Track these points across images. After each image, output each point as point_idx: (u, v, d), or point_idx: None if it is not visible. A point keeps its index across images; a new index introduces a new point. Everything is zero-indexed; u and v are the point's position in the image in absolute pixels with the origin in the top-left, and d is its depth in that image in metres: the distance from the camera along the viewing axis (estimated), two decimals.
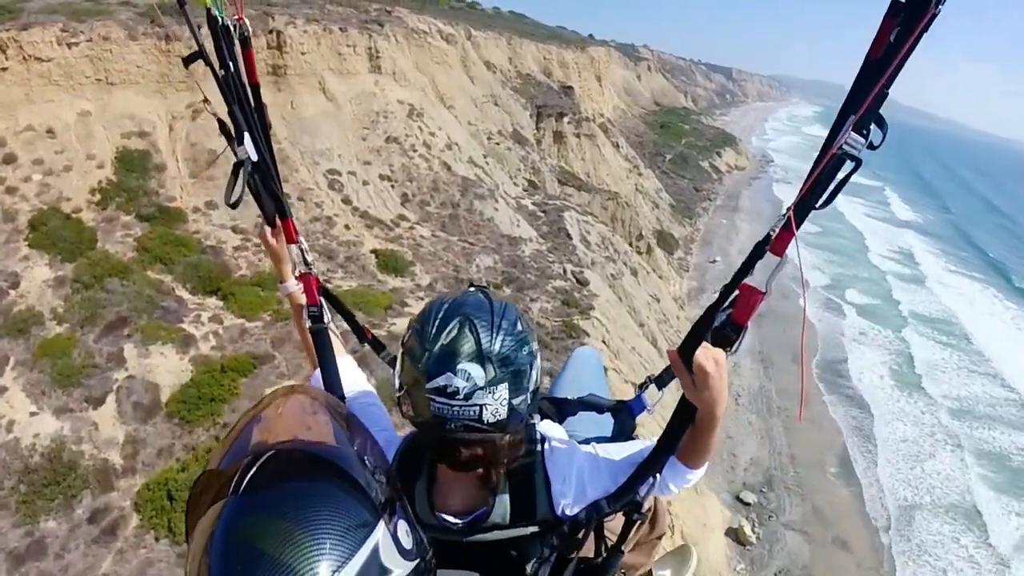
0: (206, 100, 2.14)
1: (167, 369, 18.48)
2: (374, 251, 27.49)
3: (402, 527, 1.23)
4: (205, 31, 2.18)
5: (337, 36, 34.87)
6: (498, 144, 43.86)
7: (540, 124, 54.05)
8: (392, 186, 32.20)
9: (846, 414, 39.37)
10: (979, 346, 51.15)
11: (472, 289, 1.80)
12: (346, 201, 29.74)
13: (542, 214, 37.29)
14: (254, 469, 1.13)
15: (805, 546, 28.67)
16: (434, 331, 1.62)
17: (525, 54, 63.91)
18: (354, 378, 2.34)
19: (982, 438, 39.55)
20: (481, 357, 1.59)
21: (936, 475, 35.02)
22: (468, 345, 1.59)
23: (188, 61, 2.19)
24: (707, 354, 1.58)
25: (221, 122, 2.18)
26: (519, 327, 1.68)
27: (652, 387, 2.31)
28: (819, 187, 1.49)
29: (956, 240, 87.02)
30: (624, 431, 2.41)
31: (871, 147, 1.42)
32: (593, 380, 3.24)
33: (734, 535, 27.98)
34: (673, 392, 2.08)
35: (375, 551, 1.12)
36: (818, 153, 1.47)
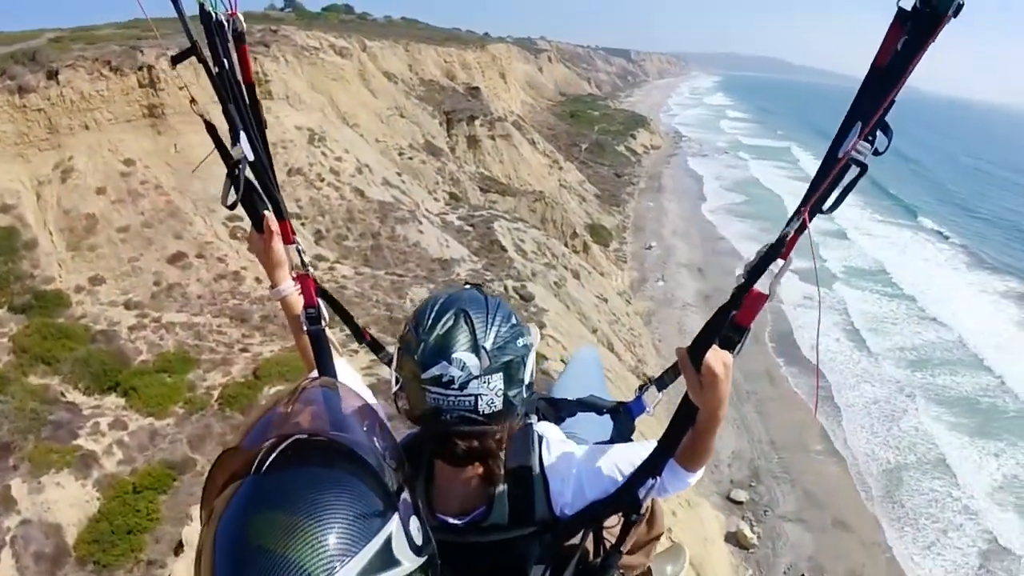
0: (193, 101, 2.09)
1: (68, 503, 15.14)
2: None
3: (414, 522, 1.24)
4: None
5: None
6: (411, 159, 41.02)
7: (452, 131, 51.38)
8: (303, 224, 28.99)
9: (809, 385, 38.24)
10: (915, 293, 51.01)
11: (467, 286, 1.79)
12: None
13: (470, 228, 34.65)
14: (276, 452, 1.13)
15: (807, 535, 27.23)
16: (430, 323, 1.63)
17: (425, 59, 61.07)
18: (351, 379, 2.29)
19: (945, 385, 39.24)
20: (476, 347, 1.59)
21: (914, 432, 34.26)
22: (463, 335, 1.60)
23: (179, 59, 2.05)
24: (717, 356, 1.57)
25: (209, 125, 2.11)
26: (513, 320, 1.70)
27: (652, 388, 2.23)
28: (825, 191, 1.48)
29: (871, 191, 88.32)
30: (623, 433, 2.33)
31: (876, 153, 1.43)
32: (592, 381, 3.27)
33: (734, 540, 26.22)
34: (671, 395, 2.09)
35: (387, 542, 1.13)
36: (824, 157, 1.47)
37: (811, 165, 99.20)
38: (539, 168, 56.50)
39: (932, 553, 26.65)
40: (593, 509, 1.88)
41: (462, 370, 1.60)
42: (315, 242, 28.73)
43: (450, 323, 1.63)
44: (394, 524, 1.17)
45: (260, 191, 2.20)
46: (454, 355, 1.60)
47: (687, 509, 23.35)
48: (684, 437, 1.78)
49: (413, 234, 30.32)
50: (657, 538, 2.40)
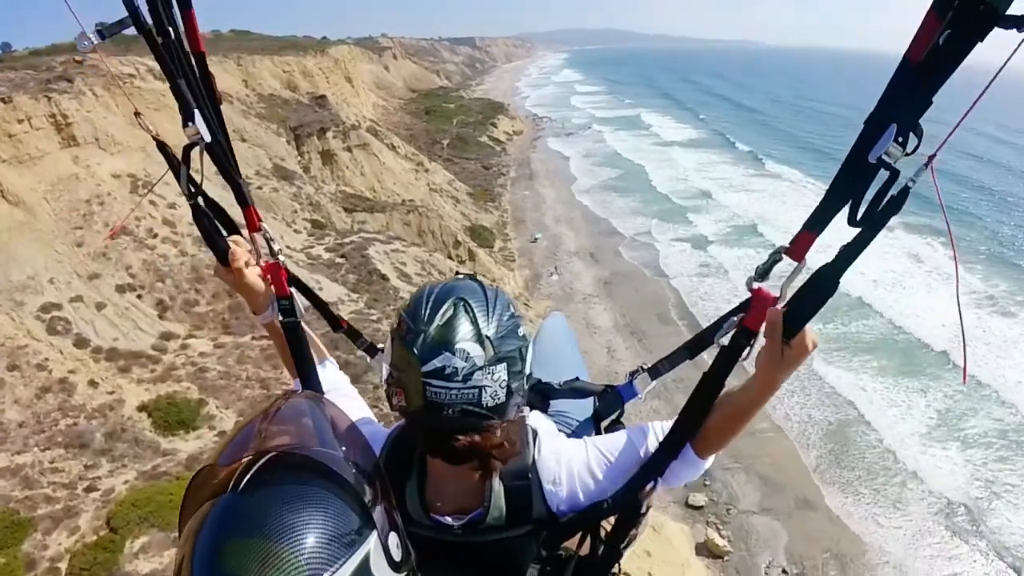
0: (137, 113, 2.00)
1: None
2: (143, 407, 19.60)
3: (393, 539, 1.23)
4: None
5: None
6: (260, 188, 36.06)
7: (302, 148, 46.41)
8: (139, 296, 23.95)
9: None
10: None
11: (459, 275, 1.74)
12: (81, 343, 21.22)
13: (342, 260, 30.42)
14: (253, 470, 1.11)
15: (776, 524, 25.32)
16: (428, 313, 1.56)
17: (261, 72, 55.29)
18: (338, 383, 2.28)
19: (858, 332, 38.83)
20: (479, 337, 1.54)
21: (838, 381, 33.44)
22: (465, 325, 1.54)
23: (113, 29, 1.75)
24: (812, 333, 1.53)
25: (159, 142, 1.94)
26: (512, 309, 1.66)
27: (644, 375, 2.16)
28: (846, 195, 1.38)
29: (720, 144, 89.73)
30: (608, 412, 2.29)
31: (906, 154, 1.30)
32: (568, 355, 3.11)
33: (706, 551, 23.85)
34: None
35: (365, 560, 1.12)
36: (846, 160, 1.37)
37: (663, 129, 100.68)
38: (404, 174, 52.46)
39: (895, 510, 25.74)
40: (592, 511, 1.81)
41: (466, 360, 1.51)
42: (159, 316, 23.74)
43: (450, 313, 1.54)
44: (372, 541, 1.14)
45: (214, 221, 2.04)
46: (457, 345, 1.51)
47: (656, 537, 20.90)
48: (706, 420, 1.73)
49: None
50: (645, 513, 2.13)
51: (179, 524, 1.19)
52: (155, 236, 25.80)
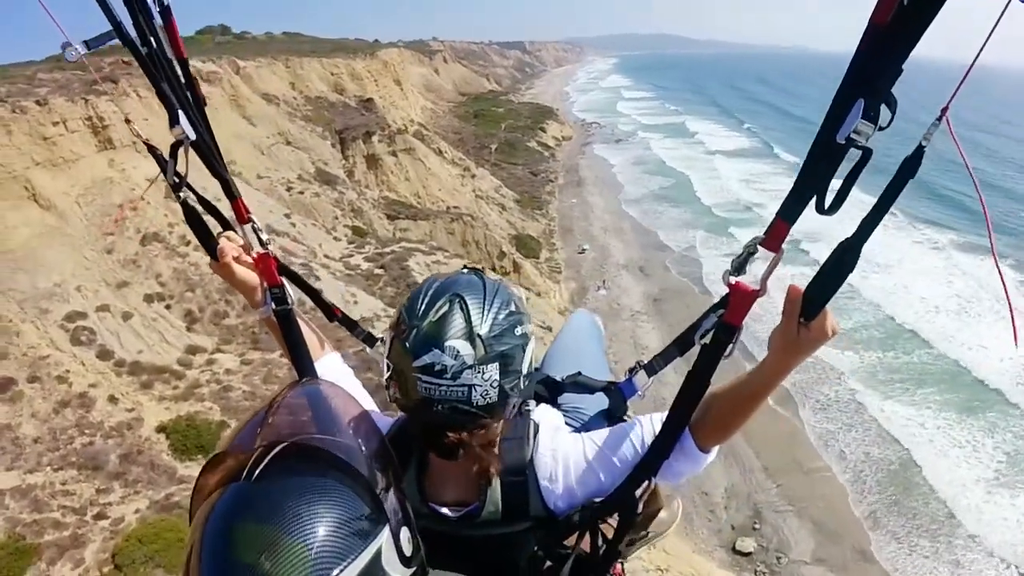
0: (128, 120, 2.18)
1: None
2: (162, 427, 18.50)
3: (404, 533, 1.23)
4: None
5: (35, 114, 24.96)
6: (302, 193, 35.15)
7: (347, 152, 45.52)
8: (168, 307, 22.95)
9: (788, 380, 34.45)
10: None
11: (464, 270, 1.74)
12: (104, 355, 20.25)
13: (381, 271, 29.14)
14: (267, 459, 1.10)
15: None
16: (423, 308, 1.57)
17: (309, 74, 54.66)
18: (339, 374, 2.26)
19: (920, 362, 36.16)
20: (471, 335, 1.53)
21: (896, 417, 31.14)
22: (457, 322, 1.54)
23: (98, 42, 1.84)
24: (832, 317, 1.46)
25: (150, 146, 2.05)
26: (512, 307, 1.63)
27: (642, 372, 2.17)
28: (816, 181, 1.32)
29: (765, 153, 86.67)
30: (616, 411, 2.28)
31: (879, 129, 1.22)
32: (589, 351, 3.05)
33: None
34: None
35: (377, 555, 1.13)
36: (814, 142, 1.29)
37: (710, 137, 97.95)
38: (450, 180, 51.22)
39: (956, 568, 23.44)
40: (589, 509, 1.80)
41: (455, 359, 1.52)
42: (186, 328, 22.66)
43: (444, 309, 1.55)
44: (384, 536, 1.15)
45: (203, 219, 2.12)
46: (447, 343, 1.52)
47: None
48: (705, 411, 1.70)
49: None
50: (656, 513, 2.17)
51: (190, 511, 1.19)
52: (188, 243, 24.80)
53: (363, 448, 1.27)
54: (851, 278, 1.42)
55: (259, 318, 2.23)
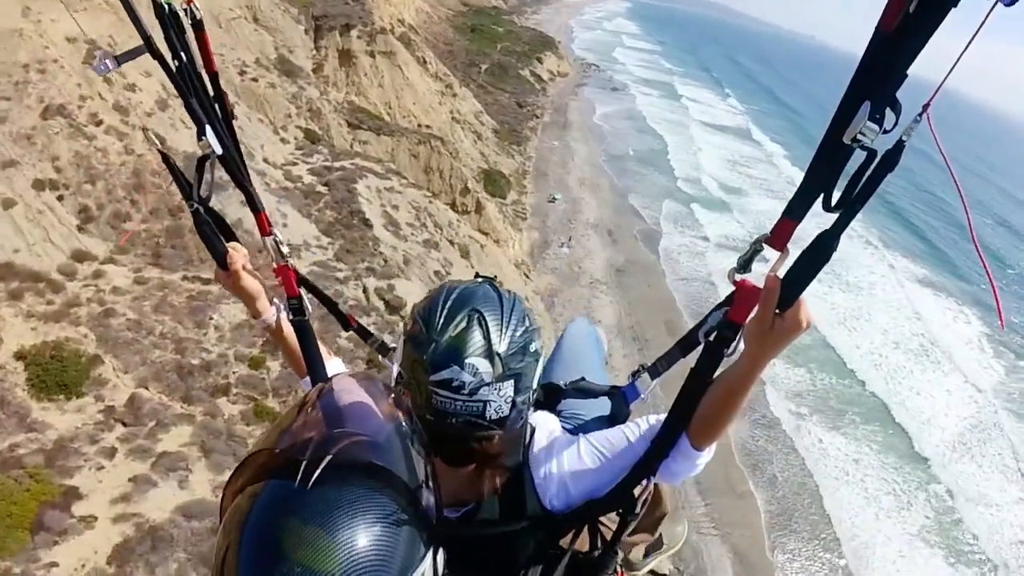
0: (145, 129, 1.90)
1: None
2: (22, 354, 15.24)
3: (441, 555, 1.23)
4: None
5: None
6: (256, 80, 30.96)
7: (320, 43, 40.97)
8: (60, 198, 19.19)
9: None
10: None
11: (479, 280, 1.71)
12: None
13: (324, 189, 25.57)
14: (321, 466, 1.07)
15: None
16: (441, 321, 1.54)
17: None
18: (341, 370, 2.27)
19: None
20: (490, 353, 1.52)
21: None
22: (477, 339, 1.52)
23: (128, 57, 1.89)
24: (807, 309, 1.44)
25: (164, 155, 2.03)
26: (527, 323, 1.62)
27: (645, 375, 2.16)
28: (822, 180, 1.33)
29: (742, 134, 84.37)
30: (620, 416, 2.25)
31: (884, 132, 1.24)
32: (590, 359, 2.97)
33: None
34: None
35: None
36: (822, 142, 1.29)
37: (694, 103, 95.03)
38: (428, 96, 46.96)
39: None
40: (587, 508, 1.79)
41: (474, 376, 1.51)
42: (78, 228, 19.00)
43: (463, 324, 1.53)
44: (428, 563, 1.15)
45: (215, 229, 2.07)
46: (467, 360, 1.50)
47: None
48: (700, 409, 1.69)
49: (234, 207, 20.94)
50: (662, 518, 2.27)
51: (220, 509, 1.17)
52: (98, 123, 20.88)
53: (411, 445, 1.26)
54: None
55: (260, 328, 2.23)
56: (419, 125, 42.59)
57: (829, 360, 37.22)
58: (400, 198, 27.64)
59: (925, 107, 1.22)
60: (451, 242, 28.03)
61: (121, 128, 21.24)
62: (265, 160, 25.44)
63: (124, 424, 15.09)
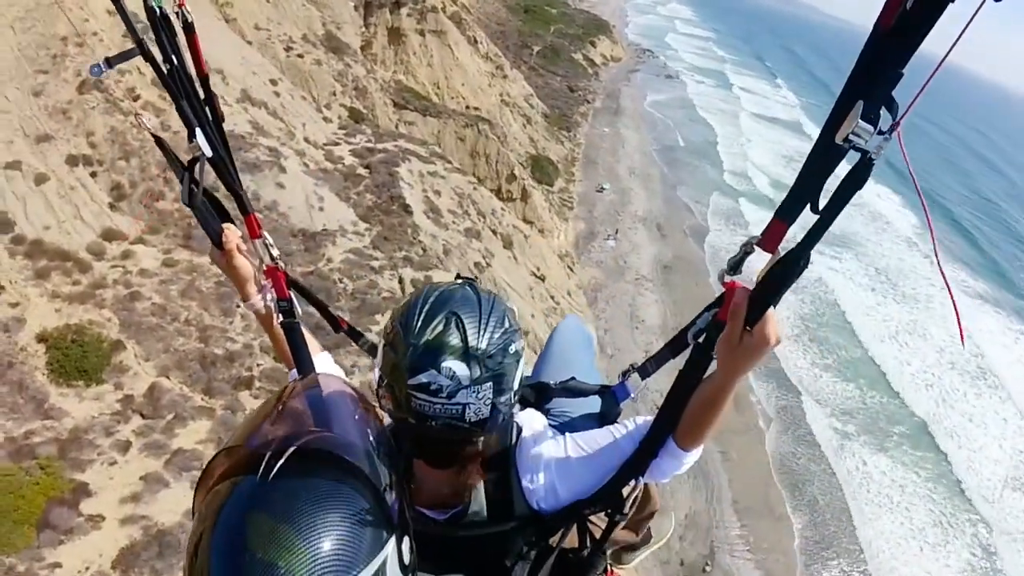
0: (137, 115, 2.38)
1: None
2: (43, 337, 14.66)
3: (406, 542, 1.25)
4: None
5: None
6: (301, 57, 30.12)
7: (369, 20, 40.01)
8: (93, 175, 18.57)
9: (782, 402, 31.04)
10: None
11: (459, 281, 1.70)
12: (3, 226, 16.19)
13: (365, 172, 24.63)
14: (284, 458, 1.10)
15: None
16: (419, 325, 1.54)
17: None
18: (330, 370, 2.23)
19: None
20: (467, 355, 1.52)
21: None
22: (454, 342, 1.52)
23: (120, 59, 1.94)
24: (776, 324, 1.43)
25: (157, 138, 2.03)
26: (506, 324, 1.61)
27: (635, 375, 2.15)
28: (813, 181, 1.29)
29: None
30: (610, 412, 2.25)
31: (880, 133, 1.20)
32: (580, 357, 2.93)
33: None
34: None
35: (383, 565, 1.14)
36: (815, 142, 1.26)
37: (745, 93, 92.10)
38: (478, 77, 45.72)
39: None
40: (575, 508, 1.81)
41: (451, 379, 1.50)
42: (109, 206, 18.36)
43: (440, 327, 1.52)
44: (391, 547, 1.16)
45: (211, 208, 2.03)
46: (443, 363, 1.50)
47: None
48: (685, 413, 1.70)
49: (269, 188, 20.22)
50: (651, 516, 2.28)
51: (193, 502, 1.18)
52: (136, 98, 20.17)
53: (373, 449, 1.27)
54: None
55: (249, 311, 2.22)
56: (467, 107, 41.43)
57: (878, 377, 35.29)
58: (443, 183, 26.57)
59: (894, 125, 1.18)
60: (494, 231, 26.88)
61: (159, 104, 20.50)
62: (306, 139, 24.58)
63: (142, 415, 14.41)
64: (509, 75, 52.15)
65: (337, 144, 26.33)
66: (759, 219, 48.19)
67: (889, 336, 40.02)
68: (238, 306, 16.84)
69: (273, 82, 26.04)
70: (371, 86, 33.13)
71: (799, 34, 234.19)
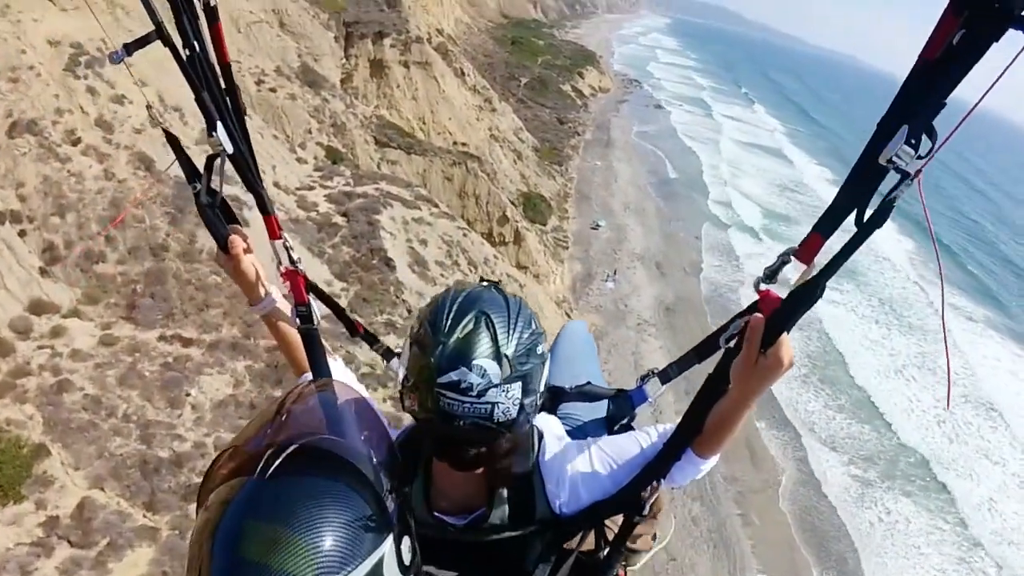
0: (150, 107, 2.34)
1: None
2: None
3: (406, 542, 1.25)
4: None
5: None
6: (274, 91, 27.62)
7: (349, 51, 37.69)
8: (22, 233, 15.86)
9: (794, 452, 28.87)
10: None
11: (484, 284, 1.66)
12: None
13: (342, 219, 21.98)
14: (282, 457, 1.12)
15: None
16: (448, 324, 1.51)
17: None
18: (342, 374, 2.16)
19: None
20: (498, 354, 1.50)
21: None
22: (485, 341, 1.49)
23: (138, 45, 1.78)
24: (790, 346, 1.48)
25: (169, 135, 1.91)
26: (533, 326, 1.60)
27: (655, 380, 2.18)
28: (855, 198, 1.34)
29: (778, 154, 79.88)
30: (620, 415, 2.30)
31: (919, 158, 1.26)
32: (586, 361, 3.07)
33: None
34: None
35: (379, 562, 1.14)
36: (857, 161, 1.32)
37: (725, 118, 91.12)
38: (465, 111, 43.43)
39: None
40: (595, 510, 1.82)
41: (482, 377, 1.47)
42: (40, 271, 15.60)
43: (470, 327, 1.49)
44: (387, 545, 1.17)
45: (219, 213, 1.94)
46: (475, 361, 1.47)
47: None
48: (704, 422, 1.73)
49: None
50: (655, 515, 2.16)
51: (197, 503, 1.20)
52: (75, 141, 17.51)
53: (373, 453, 1.27)
54: None
55: (257, 315, 2.14)
56: (454, 143, 39.11)
57: (890, 416, 33.36)
58: (430, 231, 23.95)
59: (917, 172, 1.24)
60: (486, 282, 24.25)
61: (102, 148, 17.90)
62: (276, 184, 21.94)
63: (69, 543, 11.56)
64: (498, 108, 50.01)
65: (312, 188, 23.72)
66: (748, 252, 46.58)
67: (895, 371, 38.02)
68: (188, 394, 14.09)
69: (245, 119, 23.43)
70: (351, 122, 30.64)
71: (778, 62, 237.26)
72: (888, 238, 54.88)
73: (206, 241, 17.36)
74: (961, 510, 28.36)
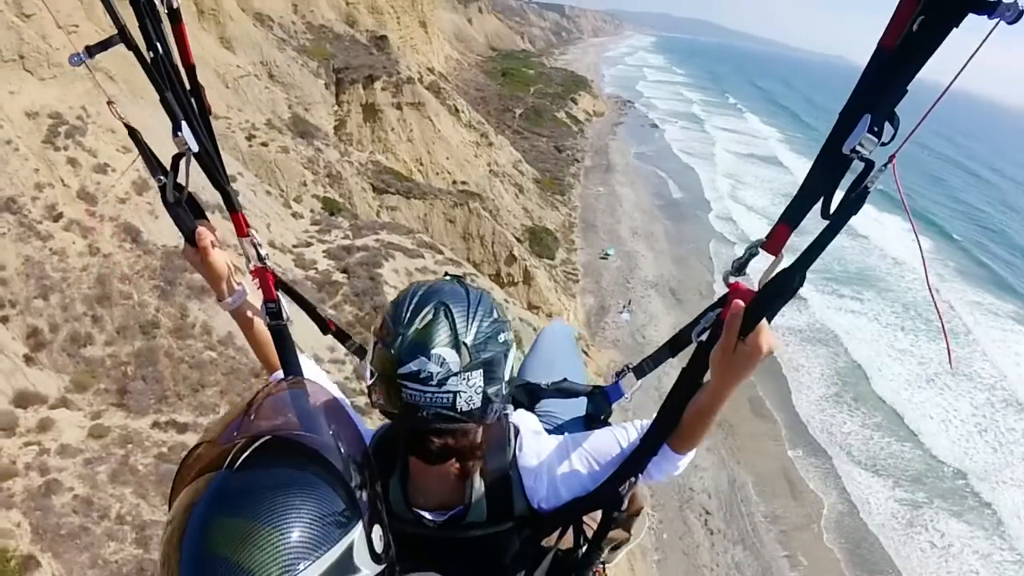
0: (111, 103, 2.02)
1: None
2: None
3: (377, 530, 1.25)
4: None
5: None
6: (265, 145, 26.74)
7: (342, 97, 36.97)
8: (5, 320, 14.71)
9: (826, 480, 27.40)
10: None
11: (448, 277, 1.71)
12: None
13: (342, 276, 20.88)
14: (249, 450, 1.13)
15: None
16: (408, 315, 1.54)
17: None
18: (316, 378, 2.06)
19: None
20: (456, 343, 1.51)
21: None
22: (443, 330, 1.52)
23: (101, 47, 1.82)
24: (770, 334, 1.45)
25: (130, 128, 1.89)
26: (495, 315, 1.61)
27: (630, 375, 2.17)
28: (821, 189, 1.35)
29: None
30: (599, 413, 2.29)
31: (882, 144, 1.26)
32: (567, 359, 3.04)
33: None
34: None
35: (349, 549, 1.14)
36: (820, 152, 1.33)
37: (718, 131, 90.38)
38: (462, 148, 42.57)
39: None
40: (573, 506, 1.81)
41: (441, 366, 1.49)
42: (25, 358, 14.52)
43: (429, 317, 1.52)
44: (357, 532, 1.16)
45: (185, 207, 1.96)
46: (433, 351, 1.49)
47: None
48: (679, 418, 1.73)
49: (223, 316, 16.35)
50: (637, 513, 2.16)
51: (169, 499, 1.20)
52: (57, 217, 16.53)
53: (342, 447, 1.27)
54: None
55: (225, 310, 2.11)
56: (454, 182, 38.22)
57: (930, 430, 31.73)
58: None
59: (891, 157, 1.22)
60: None
61: (85, 222, 16.89)
62: (272, 244, 20.86)
63: None
64: (495, 142, 49.19)
65: (309, 244, 22.69)
66: (759, 268, 44.31)
67: (927, 380, 36.32)
68: None
69: (232, 178, 22.50)
70: (346, 171, 29.74)
71: (765, 69, 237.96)
72: (903, 238, 53.59)
73: (199, 315, 16.28)
74: (1011, 526, 26.82)
